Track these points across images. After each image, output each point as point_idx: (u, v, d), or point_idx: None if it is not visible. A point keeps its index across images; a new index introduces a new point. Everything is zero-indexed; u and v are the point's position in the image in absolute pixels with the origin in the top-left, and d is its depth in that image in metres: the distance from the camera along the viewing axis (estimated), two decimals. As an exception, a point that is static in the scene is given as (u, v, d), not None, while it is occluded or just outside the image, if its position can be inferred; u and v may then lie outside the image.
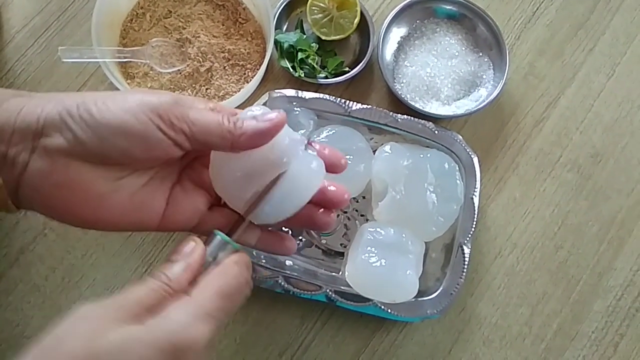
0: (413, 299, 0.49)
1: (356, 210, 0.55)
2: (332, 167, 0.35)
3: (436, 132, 0.54)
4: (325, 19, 0.59)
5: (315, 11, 0.59)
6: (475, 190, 0.53)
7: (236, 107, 0.54)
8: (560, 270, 0.56)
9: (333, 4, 0.59)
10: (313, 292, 0.49)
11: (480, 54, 0.60)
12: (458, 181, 0.52)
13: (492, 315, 0.54)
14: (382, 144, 0.53)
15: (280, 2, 0.60)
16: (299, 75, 0.57)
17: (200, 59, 0.57)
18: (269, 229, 0.36)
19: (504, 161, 0.59)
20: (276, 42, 0.57)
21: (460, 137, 0.54)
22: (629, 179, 0.59)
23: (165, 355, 0.24)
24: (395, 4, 0.60)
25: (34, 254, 0.54)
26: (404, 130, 0.54)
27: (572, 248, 0.56)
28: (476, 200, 0.52)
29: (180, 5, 0.59)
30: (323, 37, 0.59)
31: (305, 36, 0.59)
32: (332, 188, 0.35)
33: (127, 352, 0.23)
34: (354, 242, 0.50)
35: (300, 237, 0.54)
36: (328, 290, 0.49)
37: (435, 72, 0.59)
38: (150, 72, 0.57)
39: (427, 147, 0.54)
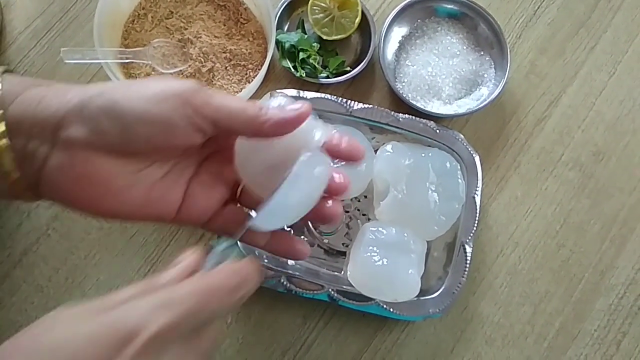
0: (415, 298, 0.49)
1: (358, 210, 0.55)
2: (350, 157, 0.34)
3: (437, 131, 0.54)
4: (327, 19, 0.59)
5: (317, 11, 0.59)
6: (477, 189, 0.53)
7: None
8: (563, 268, 0.56)
9: (334, 4, 0.59)
10: (315, 292, 0.49)
11: (482, 53, 0.60)
12: (460, 180, 0.52)
13: (495, 314, 0.54)
14: (384, 144, 0.53)
15: (282, 2, 0.60)
16: (301, 75, 0.57)
17: (202, 60, 0.57)
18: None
19: (506, 160, 0.59)
20: (277, 42, 0.58)
21: (462, 136, 0.54)
22: (631, 177, 0.59)
23: (109, 339, 0.23)
24: (396, 4, 0.60)
25: (37, 254, 0.54)
26: (405, 130, 0.54)
27: (574, 246, 0.56)
28: (478, 199, 0.52)
29: (181, 5, 0.59)
30: (324, 37, 0.59)
31: (306, 36, 0.59)
32: (336, 176, 0.34)
33: (61, 347, 0.23)
34: (356, 241, 0.50)
35: (302, 237, 0.54)
36: (330, 290, 0.49)
37: (437, 71, 0.59)
38: (152, 72, 0.57)
39: (429, 146, 0.54)
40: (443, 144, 0.54)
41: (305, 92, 0.54)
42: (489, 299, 0.55)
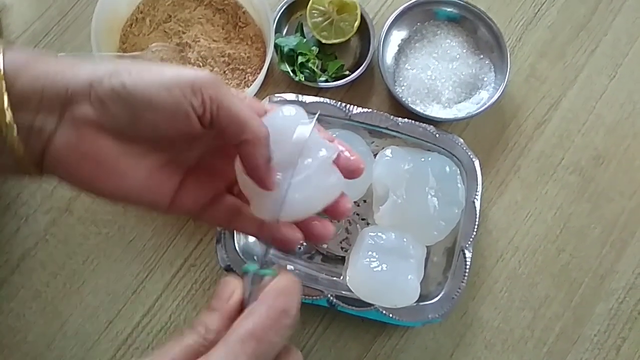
0: (415, 304, 0.48)
1: (357, 215, 0.55)
2: (351, 173, 0.34)
3: (437, 135, 0.54)
4: (326, 23, 0.59)
5: (316, 14, 0.59)
6: (477, 193, 0.52)
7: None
8: (563, 273, 0.56)
9: (333, 8, 0.59)
10: (314, 297, 0.49)
11: (481, 57, 0.60)
12: (459, 185, 0.51)
13: (494, 319, 0.54)
14: (383, 148, 0.53)
15: (280, 5, 0.60)
16: (299, 79, 0.57)
17: (201, 64, 0.56)
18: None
19: (506, 164, 0.59)
20: (276, 46, 0.57)
21: (462, 140, 0.54)
22: (631, 181, 0.58)
23: None
24: (395, 7, 0.60)
25: (35, 259, 0.54)
26: (404, 134, 0.54)
27: (574, 251, 0.56)
28: (477, 203, 0.52)
29: (179, 9, 0.59)
30: (323, 41, 0.59)
31: (305, 40, 0.59)
32: (344, 201, 0.35)
33: None
34: (355, 246, 0.50)
35: (301, 242, 0.54)
36: (329, 295, 0.49)
37: (436, 75, 0.58)
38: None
39: (428, 150, 0.54)
40: (443, 149, 0.53)
41: (304, 96, 0.54)
42: (489, 304, 0.54)
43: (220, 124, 0.30)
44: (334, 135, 0.51)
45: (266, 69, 0.54)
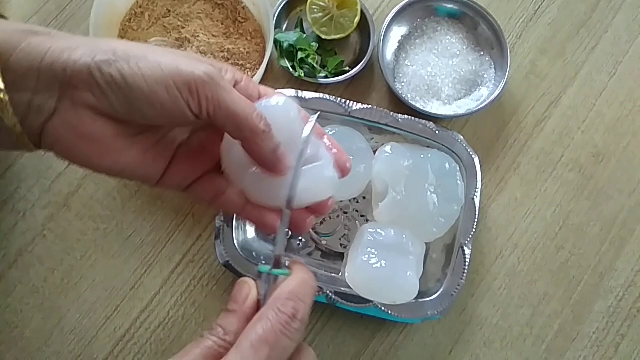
0: (414, 300, 0.48)
1: (356, 211, 0.54)
2: (340, 171, 0.36)
3: (437, 132, 0.53)
4: (326, 18, 0.59)
5: (316, 10, 0.59)
6: (476, 190, 0.52)
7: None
8: (562, 270, 0.55)
9: (333, 3, 0.58)
10: (313, 294, 0.49)
11: (482, 53, 0.60)
12: (459, 181, 0.51)
13: (493, 316, 0.54)
14: (383, 144, 0.52)
15: (280, 1, 0.60)
16: (299, 75, 0.56)
17: (200, 59, 0.56)
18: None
19: (505, 161, 0.58)
20: (276, 42, 0.57)
21: (461, 137, 0.54)
22: (631, 179, 0.58)
23: None
24: (396, 3, 0.59)
25: (33, 255, 0.53)
26: (404, 131, 0.54)
27: (573, 248, 0.56)
28: (477, 200, 0.52)
29: (179, 4, 0.59)
30: (323, 37, 0.58)
31: (305, 35, 0.59)
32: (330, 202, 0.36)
33: None
34: (354, 243, 0.50)
35: (300, 238, 0.54)
36: (328, 292, 0.49)
37: (436, 71, 0.58)
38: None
39: (428, 147, 0.53)
40: (442, 145, 0.53)
41: (304, 92, 0.53)
42: (488, 301, 0.54)
43: (218, 122, 0.30)
44: (333, 132, 0.52)
45: (266, 64, 0.54)
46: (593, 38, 0.63)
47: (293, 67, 0.57)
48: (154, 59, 0.29)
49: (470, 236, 0.51)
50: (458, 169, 0.52)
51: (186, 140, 0.35)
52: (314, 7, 0.58)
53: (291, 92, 0.53)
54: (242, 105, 0.30)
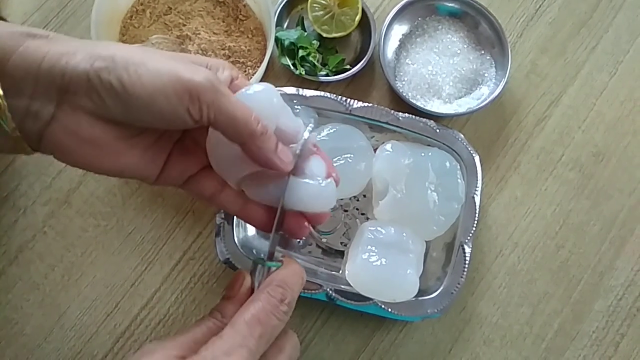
0: (413, 298, 0.48)
1: (357, 209, 0.54)
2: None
3: (437, 130, 0.53)
4: (327, 16, 0.59)
5: (317, 8, 0.59)
6: (477, 189, 0.52)
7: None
8: (562, 269, 0.56)
9: (334, 1, 0.59)
10: (313, 291, 0.49)
11: (482, 52, 0.60)
12: (459, 180, 0.51)
13: (493, 315, 0.54)
14: (383, 143, 0.52)
15: (281, -1, 0.60)
16: (300, 73, 0.56)
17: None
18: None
19: (506, 160, 0.59)
20: (277, 40, 0.57)
21: (462, 135, 0.54)
22: (631, 178, 0.58)
23: None
24: (397, 1, 0.59)
25: (33, 251, 0.53)
26: (405, 129, 0.54)
27: (573, 247, 0.56)
28: (477, 199, 0.52)
29: (180, 1, 0.59)
30: (324, 35, 0.58)
31: (306, 33, 0.59)
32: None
33: None
34: (355, 241, 0.50)
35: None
36: (328, 289, 0.49)
37: (437, 70, 0.58)
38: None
39: (429, 145, 0.53)
40: (443, 144, 0.53)
41: (305, 90, 0.54)
42: (488, 300, 0.54)
43: (218, 127, 0.31)
44: (333, 131, 0.52)
45: (266, 62, 0.54)
46: (594, 37, 0.63)
47: (294, 65, 0.57)
48: (153, 66, 0.29)
49: (471, 235, 0.51)
50: (458, 167, 0.52)
51: (180, 138, 0.35)
52: (315, 5, 0.58)
53: (292, 90, 0.53)
54: (241, 109, 0.31)
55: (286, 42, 0.57)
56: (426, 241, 0.51)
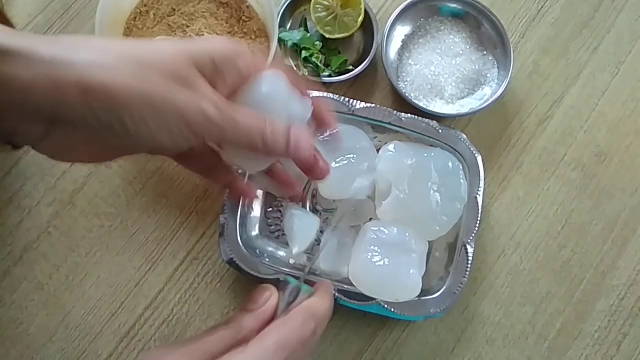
0: (416, 298, 0.49)
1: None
2: (320, 123, 0.37)
3: (440, 130, 0.54)
4: (329, 17, 0.59)
5: (319, 9, 0.59)
6: (479, 189, 0.53)
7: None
8: (564, 269, 0.56)
9: (337, 2, 0.59)
10: (316, 291, 0.49)
11: (485, 53, 0.60)
12: (462, 180, 0.52)
13: (495, 314, 0.54)
14: (386, 143, 0.53)
15: (284, 0, 0.60)
16: (303, 74, 0.57)
17: (204, 57, 0.56)
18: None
19: (508, 160, 0.59)
20: (280, 41, 0.57)
21: (464, 135, 0.54)
22: (633, 178, 0.58)
23: None
24: (399, 2, 0.60)
25: (37, 252, 0.54)
26: (407, 129, 0.54)
27: (575, 247, 0.56)
28: (480, 199, 0.52)
29: (183, 3, 0.59)
30: (327, 35, 0.59)
31: (308, 34, 0.59)
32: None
33: None
34: (357, 240, 0.50)
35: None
36: (331, 289, 0.49)
37: (439, 70, 0.58)
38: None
39: (431, 145, 0.54)
40: (445, 144, 0.54)
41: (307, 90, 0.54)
42: (490, 299, 0.55)
43: (224, 147, 0.31)
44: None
45: (269, 63, 0.54)
46: (596, 38, 0.63)
47: (297, 65, 0.57)
48: (157, 104, 0.27)
49: (473, 234, 0.51)
50: (461, 167, 0.52)
51: None
52: (317, 6, 0.59)
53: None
54: (245, 134, 0.29)
55: (289, 43, 0.57)
56: (429, 241, 0.51)
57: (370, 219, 0.53)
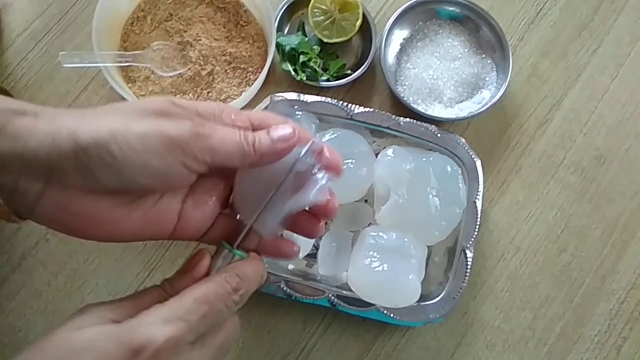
0: (415, 304, 0.49)
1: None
2: (331, 170, 0.35)
3: (439, 135, 0.53)
4: (327, 21, 0.59)
5: (317, 13, 0.59)
6: (478, 193, 0.52)
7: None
8: (564, 273, 0.56)
9: (335, 6, 0.59)
10: (315, 297, 0.49)
11: (483, 56, 0.60)
12: (461, 184, 0.51)
13: (495, 319, 0.54)
14: (385, 148, 0.53)
15: (282, 4, 0.60)
16: (301, 79, 0.56)
17: (202, 62, 0.56)
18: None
19: (507, 164, 0.59)
20: (278, 45, 0.57)
21: (463, 140, 0.54)
22: (632, 182, 0.58)
23: (124, 351, 0.26)
24: (397, 6, 0.59)
25: (36, 259, 0.54)
26: (406, 134, 0.54)
27: (575, 251, 0.56)
28: (479, 203, 0.52)
29: (181, 8, 0.59)
30: (325, 40, 0.59)
31: (307, 39, 0.59)
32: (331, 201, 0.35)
33: (94, 345, 0.26)
34: (356, 246, 0.50)
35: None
36: (330, 295, 0.49)
37: (438, 74, 0.58)
38: (152, 75, 0.56)
39: (430, 150, 0.54)
40: (444, 148, 0.53)
41: (306, 95, 0.54)
42: (490, 304, 0.55)
43: (219, 166, 0.31)
44: (334, 136, 0.52)
45: (267, 68, 0.54)
46: (595, 40, 0.62)
47: (295, 70, 0.57)
48: (139, 130, 0.28)
49: (472, 239, 0.51)
50: (460, 172, 0.52)
51: (190, 191, 0.34)
52: (315, 10, 0.58)
53: (293, 95, 0.53)
54: (230, 139, 0.30)
55: (287, 48, 0.57)
56: (428, 246, 0.51)
57: (369, 224, 0.53)
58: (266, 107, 0.53)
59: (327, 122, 0.54)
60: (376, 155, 0.53)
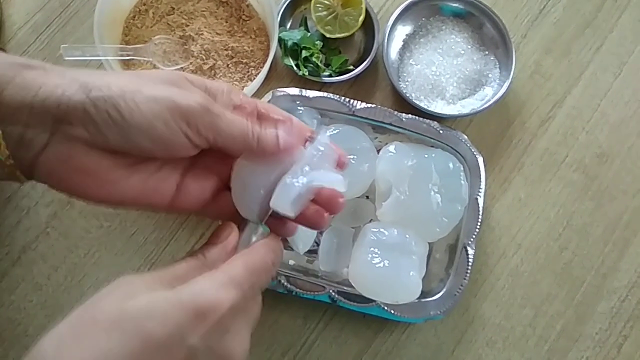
0: (416, 300, 0.48)
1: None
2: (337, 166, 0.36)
3: (441, 131, 0.53)
4: (330, 17, 0.59)
5: (320, 8, 0.58)
6: (480, 190, 0.52)
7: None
8: (565, 271, 0.55)
9: (338, 2, 0.58)
10: (316, 293, 0.49)
11: (486, 53, 0.60)
12: (462, 181, 0.51)
13: (496, 316, 0.54)
14: (387, 144, 0.52)
15: (284, -1, 0.59)
16: (303, 74, 0.56)
17: (204, 57, 0.56)
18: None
19: (509, 161, 0.58)
20: (280, 40, 0.57)
21: (465, 136, 0.54)
22: (635, 180, 0.58)
23: (188, 314, 0.26)
24: (400, 2, 0.59)
25: (36, 252, 0.53)
26: (408, 130, 0.54)
27: (576, 249, 0.56)
28: (481, 200, 0.52)
29: (183, 2, 0.59)
30: (327, 35, 0.58)
31: (309, 34, 0.58)
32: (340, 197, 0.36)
33: (153, 310, 0.25)
34: (357, 242, 0.50)
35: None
36: (331, 291, 0.49)
37: (441, 70, 0.58)
38: (153, 69, 0.56)
39: (432, 146, 0.53)
40: (446, 145, 0.53)
41: (308, 90, 0.53)
42: (491, 301, 0.54)
43: (219, 147, 0.31)
44: (336, 132, 0.52)
45: (270, 62, 0.54)
46: (598, 38, 0.62)
47: (297, 65, 0.57)
48: (149, 93, 0.29)
49: (474, 236, 0.51)
50: (462, 168, 0.52)
51: (190, 165, 0.34)
52: (318, 5, 0.58)
53: (295, 90, 0.53)
54: (237, 125, 0.31)
55: (289, 43, 0.57)
56: (429, 243, 0.51)
57: (371, 220, 0.53)
58: (268, 102, 0.52)
59: (329, 118, 0.54)
60: (378, 151, 0.52)
